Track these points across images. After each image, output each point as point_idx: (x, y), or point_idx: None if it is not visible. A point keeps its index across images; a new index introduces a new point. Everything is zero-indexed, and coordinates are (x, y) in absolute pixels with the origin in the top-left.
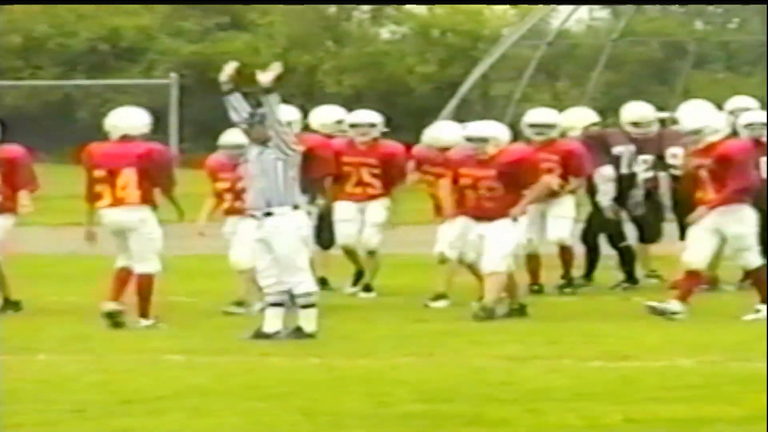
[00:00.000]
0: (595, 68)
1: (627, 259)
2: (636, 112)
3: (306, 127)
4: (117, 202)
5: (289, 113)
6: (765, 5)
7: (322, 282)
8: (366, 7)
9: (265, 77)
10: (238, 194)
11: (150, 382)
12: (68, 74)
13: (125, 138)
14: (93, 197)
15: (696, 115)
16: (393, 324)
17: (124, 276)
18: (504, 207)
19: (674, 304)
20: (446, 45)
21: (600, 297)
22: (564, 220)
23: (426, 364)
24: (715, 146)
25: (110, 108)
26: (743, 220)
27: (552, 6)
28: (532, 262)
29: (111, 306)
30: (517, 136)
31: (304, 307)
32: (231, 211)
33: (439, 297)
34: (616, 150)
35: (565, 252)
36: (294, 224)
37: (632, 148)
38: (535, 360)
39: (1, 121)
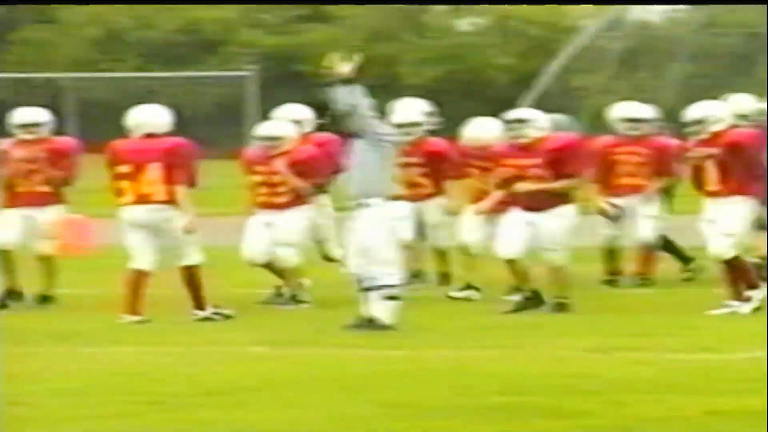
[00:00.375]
0: (676, 60)
1: None
2: None
3: (321, 128)
4: (142, 198)
5: (300, 112)
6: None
7: (417, 275)
8: None
9: (344, 68)
10: (273, 187)
11: (232, 374)
12: (148, 66)
13: (150, 135)
14: (117, 193)
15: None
16: (476, 316)
17: (136, 279)
18: (554, 197)
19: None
20: (526, 37)
21: (681, 289)
22: (652, 220)
23: (508, 355)
24: (721, 135)
25: (191, 100)
26: (734, 210)
27: None
28: (614, 255)
29: (131, 319)
30: (598, 128)
31: (388, 298)
32: (265, 205)
33: (520, 287)
34: None
35: (648, 251)
36: (384, 215)
37: None
38: (617, 352)
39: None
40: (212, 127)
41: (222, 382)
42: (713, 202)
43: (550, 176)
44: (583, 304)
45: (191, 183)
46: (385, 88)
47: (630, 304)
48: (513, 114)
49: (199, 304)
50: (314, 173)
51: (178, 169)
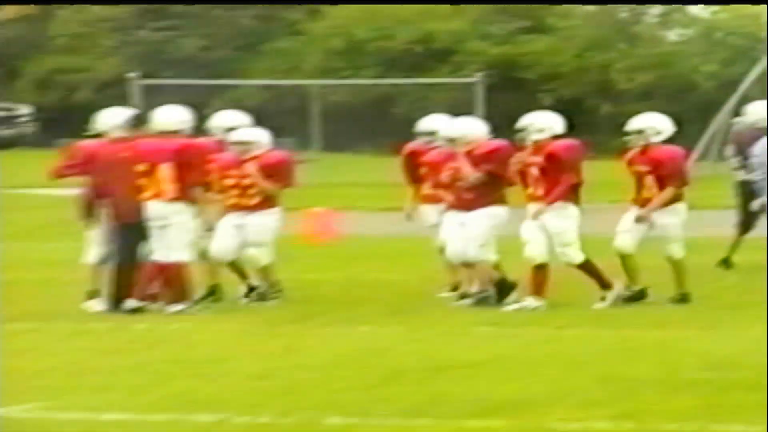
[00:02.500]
0: None
1: None
2: None
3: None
4: (156, 195)
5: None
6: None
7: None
8: (655, 11)
9: None
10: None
11: (462, 351)
12: (386, 74)
13: (163, 134)
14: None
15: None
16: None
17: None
18: None
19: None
20: (728, 46)
21: None
22: None
23: (711, 335)
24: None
25: (424, 104)
26: (565, 216)
27: None
28: None
29: (134, 304)
30: None
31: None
32: (429, 199)
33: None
34: None
35: None
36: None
37: None
38: None
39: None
40: None
41: (451, 358)
42: (535, 206)
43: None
44: None
45: (200, 183)
46: (600, 92)
47: None
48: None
49: (177, 299)
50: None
51: (188, 168)
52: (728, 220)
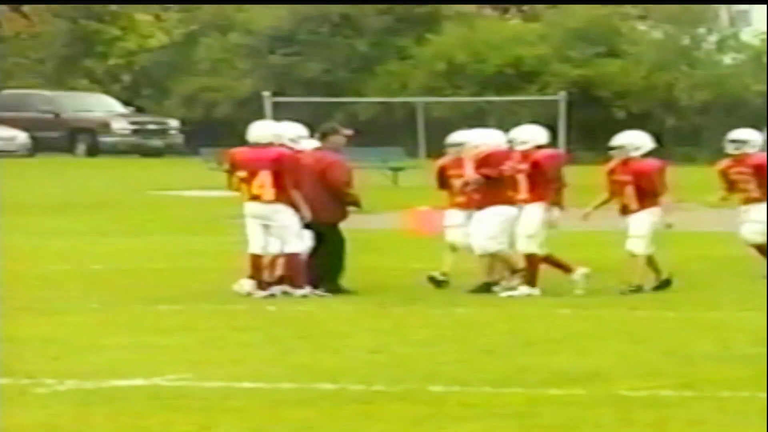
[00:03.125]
0: None
1: None
2: None
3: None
4: (254, 197)
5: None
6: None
7: None
8: (712, 38)
9: None
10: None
11: (545, 329)
12: (481, 92)
13: (257, 145)
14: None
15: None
16: (734, 285)
17: (257, 262)
18: None
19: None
20: None
21: None
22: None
23: (762, 316)
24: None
25: (513, 119)
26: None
27: None
28: None
29: (249, 287)
30: None
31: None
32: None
33: None
34: None
35: None
36: None
37: None
38: None
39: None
40: None
41: (536, 335)
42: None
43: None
44: None
45: (295, 187)
46: (665, 108)
47: None
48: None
49: (296, 284)
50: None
51: (283, 175)
52: None
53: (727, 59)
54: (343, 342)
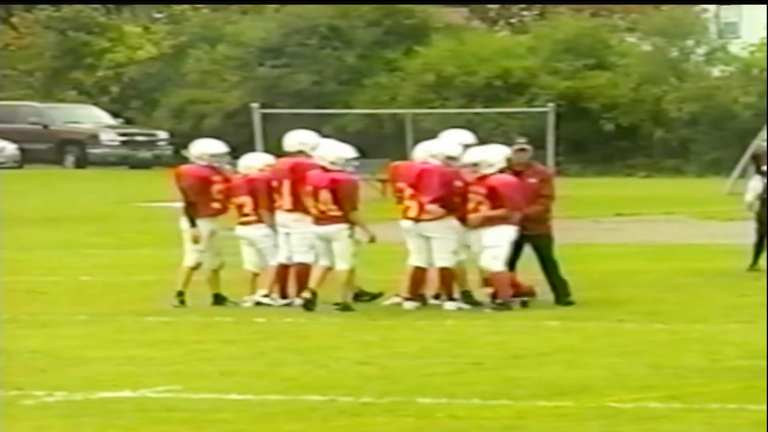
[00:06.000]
0: None
1: None
2: None
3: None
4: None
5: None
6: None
7: None
8: (701, 51)
9: None
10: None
11: (533, 342)
12: (470, 104)
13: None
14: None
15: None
16: (723, 298)
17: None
18: None
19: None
20: (763, 80)
21: None
22: None
23: (750, 329)
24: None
25: (502, 131)
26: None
27: None
28: None
29: (307, 295)
30: None
31: None
32: None
33: None
34: None
35: None
36: None
37: None
38: None
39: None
40: None
41: (524, 348)
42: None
43: None
44: None
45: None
46: (653, 120)
47: None
48: None
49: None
50: None
51: (340, 197)
52: None
53: (716, 71)
54: (332, 354)
